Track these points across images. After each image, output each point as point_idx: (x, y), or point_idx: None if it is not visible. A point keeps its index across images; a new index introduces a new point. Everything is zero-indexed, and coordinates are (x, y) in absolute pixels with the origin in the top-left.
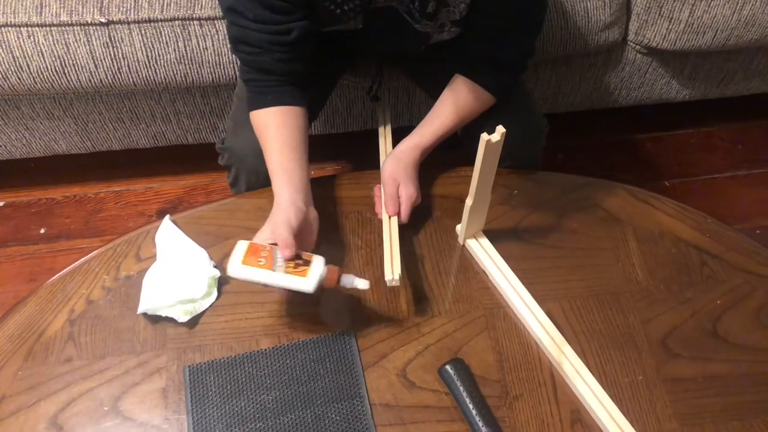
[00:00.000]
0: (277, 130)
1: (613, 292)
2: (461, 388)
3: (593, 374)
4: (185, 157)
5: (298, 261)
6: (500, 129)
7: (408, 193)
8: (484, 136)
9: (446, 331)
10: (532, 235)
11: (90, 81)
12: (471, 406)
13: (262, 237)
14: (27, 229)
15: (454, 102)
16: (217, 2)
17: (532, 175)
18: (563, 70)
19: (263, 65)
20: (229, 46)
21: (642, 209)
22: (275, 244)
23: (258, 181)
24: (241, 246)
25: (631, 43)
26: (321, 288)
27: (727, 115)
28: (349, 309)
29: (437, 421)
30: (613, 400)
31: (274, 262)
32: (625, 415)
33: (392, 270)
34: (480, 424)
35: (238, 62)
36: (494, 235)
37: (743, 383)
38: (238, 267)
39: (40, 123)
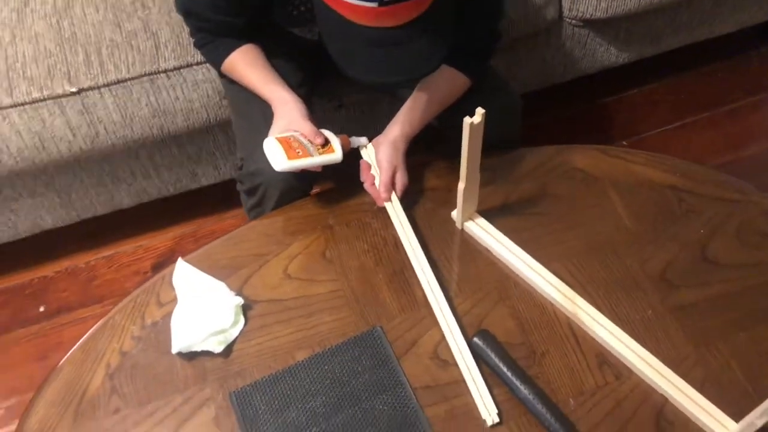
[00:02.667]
0: (248, 64)
1: (607, 243)
2: (493, 355)
3: (608, 318)
4: (167, 210)
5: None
6: (480, 111)
7: (404, 181)
8: (467, 120)
9: (464, 309)
10: (522, 207)
11: (70, 150)
12: (505, 369)
13: (278, 130)
14: (26, 311)
15: (435, 89)
16: (178, 52)
17: (511, 153)
18: (510, 55)
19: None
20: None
21: (616, 164)
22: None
23: (289, 195)
24: (273, 145)
25: (567, 19)
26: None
27: (665, 71)
28: (370, 307)
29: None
30: (631, 337)
31: (307, 149)
32: (645, 348)
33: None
34: (517, 383)
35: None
36: (488, 214)
37: (739, 298)
38: (285, 162)
39: (24, 202)
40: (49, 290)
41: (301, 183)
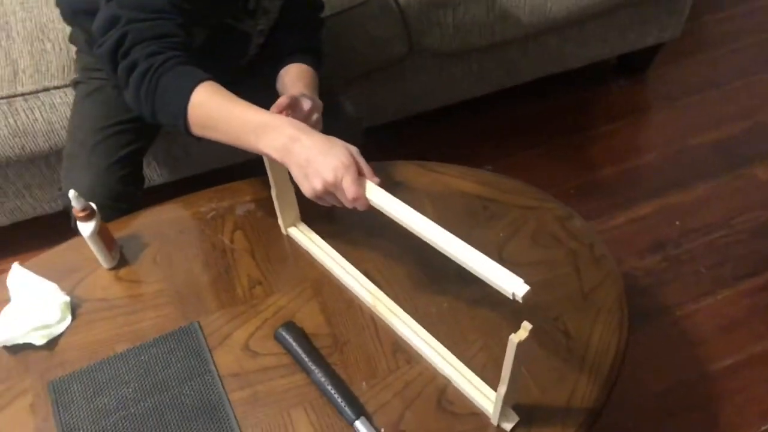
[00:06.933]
0: (223, 96)
1: (416, 244)
2: (294, 344)
3: (406, 311)
4: (44, 229)
5: None
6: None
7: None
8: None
9: (280, 305)
10: (344, 216)
11: None
12: (304, 356)
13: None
14: None
15: (299, 78)
16: (35, 78)
17: None
18: (367, 85)
19: (164, 30)
20: (117, 53)
21: (432, 177)
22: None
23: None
24: None
25: (418, 52)
26: None
27: (531, 99)
28: (191, 305)
29: (280, 377)
30: (425, 327)
31: None
32: (435, 337)
33: None
34: (313, 367)
35: (131, 66)
36: (313, 221)
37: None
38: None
39: None
40: None
41: (116, 202)
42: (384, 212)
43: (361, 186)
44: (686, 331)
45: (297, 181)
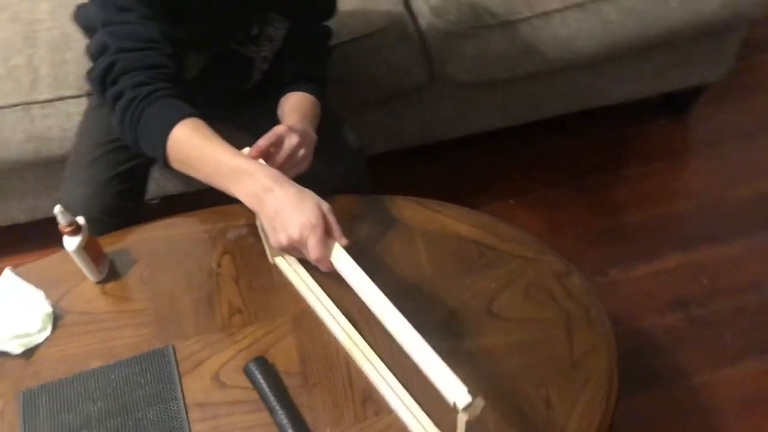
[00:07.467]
0: (192, 139)
1: (404, 287)
2: (262, 381)
3: (382, 358)
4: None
5: None
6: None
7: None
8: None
9: (257, 336)
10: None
11: None
12: (270, 394)
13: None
14: None
15: (296, 108)
16: (53, 87)
17: (341, 199)
18: (383, 110)
19: (153, 61)
20: (105, 80)
21: (429, 215)
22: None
23: (93, 227)
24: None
25: (440, 80)
26: None
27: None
28: (169, 327)
29: (244, 413)
30: (399, 378)
31: None
32: (408, 390)
33: None
34: (277, 407)
35: (118, 94)
36: None
37: (514, 350)
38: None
39: None
40: None
41: (111, 217)
42: (344, 279)
43: (327, 247)
44: (702, 402)
45: (266, 231)
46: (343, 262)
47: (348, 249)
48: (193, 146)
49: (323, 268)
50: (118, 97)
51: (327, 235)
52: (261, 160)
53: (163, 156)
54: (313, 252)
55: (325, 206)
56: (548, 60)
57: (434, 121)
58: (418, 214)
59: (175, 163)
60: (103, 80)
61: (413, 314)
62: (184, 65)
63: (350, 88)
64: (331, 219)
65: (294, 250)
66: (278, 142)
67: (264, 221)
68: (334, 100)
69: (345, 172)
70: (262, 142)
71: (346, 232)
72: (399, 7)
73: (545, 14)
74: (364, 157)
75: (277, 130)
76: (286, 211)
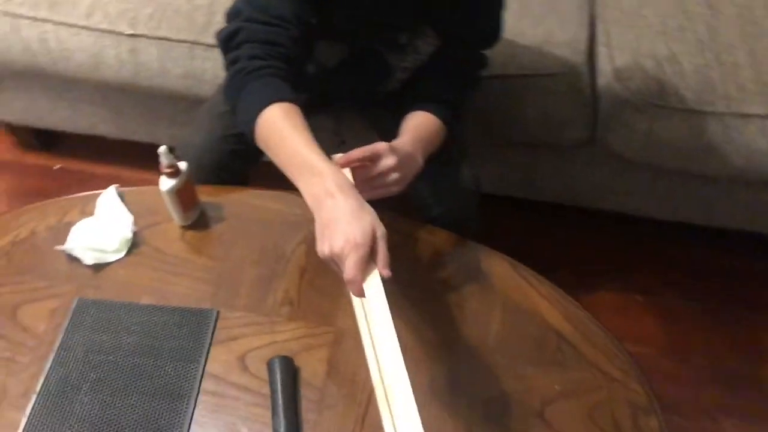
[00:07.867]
0: (278, 122)
1: (459, 348)
2: (279, 381)
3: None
4: None
5: None
6: None
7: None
8: None
9: (296, 334)
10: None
11: (116, 79)
12: (280, 397)
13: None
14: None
15: (414, 129)
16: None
17: (439, 236)
18: (529, 154)
19: (275, 39)
20: (229, 43)
21: (517, 283)
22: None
23: (199, 175)
24: None
25: (599, 146)
26: None
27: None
28: (226, 291)
29: (248, 403)
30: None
31: None
32: None
33: None
34: (280, 411)
35: (234, 59)
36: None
37: None
38: None
39: (85, 107)
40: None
41: (219, 170)
42: (366, 312)
43: (364, 271)
44: None
45: (316, 235)
46: (373, 291)
47: (410, 287)
48: (278, 129)
49: (353, 291)
50: (234, 62)
51: (371, 260)
52: (347, 170)
53: (251, 131)
54: (348, 271)
55: (381, 230)
56: (731, 167)
57: (580, 185)
58: (509, 279)
59: (260, 142)
60: (227, 43)
61: (449, 382)
62: (326, 53)
63: (498, 124)
64: (381, 245)
65: (333, 263)
66: (374, 158)
67: (316, 225)
68: (477, 130)
69: (450, 205)
70: (356, 153)
71: (426, 266)
72: (579, 58)
73: (744, 116)
74: (477, 195)
75: (378, 146)
76: (338, 222)
